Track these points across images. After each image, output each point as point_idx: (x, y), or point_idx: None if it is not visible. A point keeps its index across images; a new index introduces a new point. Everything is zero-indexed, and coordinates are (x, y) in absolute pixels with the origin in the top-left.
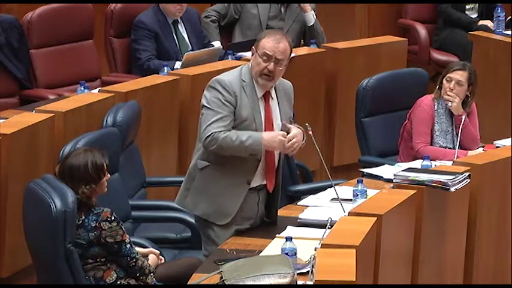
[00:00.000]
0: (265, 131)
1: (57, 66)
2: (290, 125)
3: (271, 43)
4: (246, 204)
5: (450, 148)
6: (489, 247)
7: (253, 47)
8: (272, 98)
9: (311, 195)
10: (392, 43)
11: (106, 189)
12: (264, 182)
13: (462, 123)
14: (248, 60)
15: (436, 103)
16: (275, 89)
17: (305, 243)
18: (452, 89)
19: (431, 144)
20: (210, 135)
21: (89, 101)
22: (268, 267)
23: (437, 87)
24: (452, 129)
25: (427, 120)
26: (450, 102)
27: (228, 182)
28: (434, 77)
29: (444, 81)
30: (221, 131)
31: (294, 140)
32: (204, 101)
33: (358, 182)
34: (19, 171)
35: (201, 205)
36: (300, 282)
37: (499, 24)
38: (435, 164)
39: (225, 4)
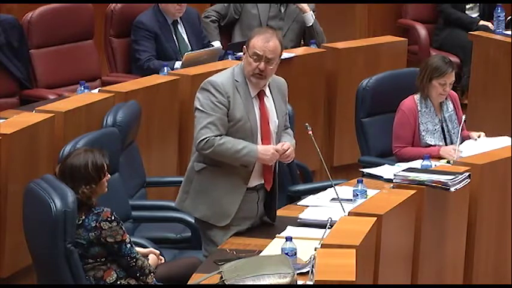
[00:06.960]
0: (261, 130)
1: (57, 66)
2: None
3: (261, 42)
4: (246, 204)
5: (440, 145)
6: (489, 247)
7: (244, 47)
8: (267, 96)
9: (311, 195)
10: (392, 43)
11: (106, 189)
12: (262, 181)
13: (462, 123)
14: None
15: (419, 103)
16: (269, 87)
17: (305, 243)
18: (447, 91)
19: (420, 144)
20: (204, 139)
21: (89, 101)
22: (268, 267)
23: (423, 88)
24: (441, 126)
25: (406, 123)
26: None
27: (226, 184)
28: None
29: (437, 84)
30: (217, 136)
31: (288, 151)
32: (197, 103)
33: (358, 182)
34: (19, 171)
35: (200, 207)
36: (300, 282)
37: (499, 24)
38: (435, 164)
39: (225, 4)
